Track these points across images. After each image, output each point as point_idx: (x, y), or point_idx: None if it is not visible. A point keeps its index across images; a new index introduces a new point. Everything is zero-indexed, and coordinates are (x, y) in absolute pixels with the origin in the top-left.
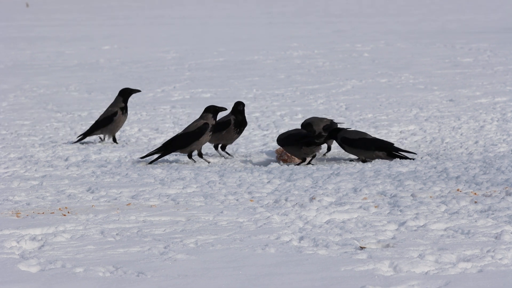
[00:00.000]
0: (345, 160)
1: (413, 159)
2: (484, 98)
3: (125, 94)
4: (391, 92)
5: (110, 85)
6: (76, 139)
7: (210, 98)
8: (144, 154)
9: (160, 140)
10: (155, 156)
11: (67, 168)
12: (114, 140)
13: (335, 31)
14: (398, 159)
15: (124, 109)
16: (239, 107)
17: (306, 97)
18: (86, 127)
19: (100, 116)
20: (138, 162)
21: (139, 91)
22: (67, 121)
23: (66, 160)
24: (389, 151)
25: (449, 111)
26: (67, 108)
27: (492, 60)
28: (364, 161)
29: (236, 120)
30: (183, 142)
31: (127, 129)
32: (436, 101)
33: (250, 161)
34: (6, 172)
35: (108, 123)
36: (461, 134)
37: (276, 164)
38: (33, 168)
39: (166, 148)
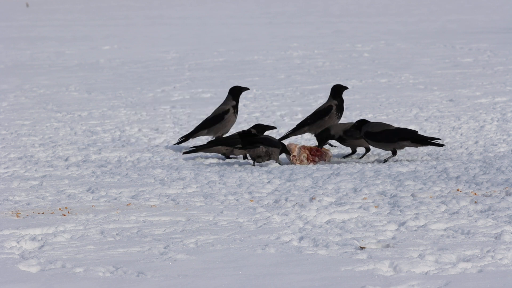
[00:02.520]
0: (346, 161)
1: (442, 145)
2: (484, 98)
3: (235, 92)
4: (391, 92)
5: (110, 85)
6: (178, 140)
7: (210, 98)
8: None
9: (160, 140)
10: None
11: (67, 168)
12: None
13: (335, 31)
14: (426, 146)
15: (236, 108)
16: (341, 90)
17: (306, 97)
18: (86, 127)
19: (210, 115)
20: (139, 162)
21: (248, 89)
22: (67, 121)
23: (66, 160)
24: (412, 138)
25: (449, 111)
26: (67, 108)
27: (492, 60)
28: (394, 153)
29: (337, 105)
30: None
31: (127, 129)
32: (436, 101)
33: (250, 161)
34: (6, 172)
35: (218, 121)
36: (461, 134)
37: (276, 164)
38: (33, 168)
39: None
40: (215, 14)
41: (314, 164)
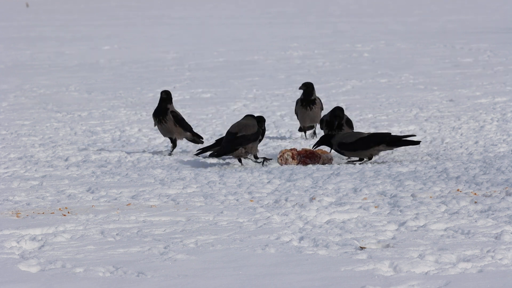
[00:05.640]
0: (346, 162)
1: (418, 142)
2: (484, 98)
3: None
4: (391, 92)
5: (110, 85)
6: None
7: (210, 98)
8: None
9: (160, 140)
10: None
11: (67, 168)
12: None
13: (335, 31)
14: (402, 146)
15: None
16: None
17: None
18: (86, 127)
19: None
20: (139, 162)
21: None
22: (67, 121)
23: (66, 160)
24: (388, 142)
25: (449, 111)
26: (67, 108)
27: (492, 60)
28: (370, 158)
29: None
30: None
31: (127, 129)
32: (436, 101)
33: (250, 161)
34: (6, 172)
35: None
36: (461, 134)
37: (276, 164)
38: (33, 168)
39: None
40: (215, 14)
41: (304, 165)
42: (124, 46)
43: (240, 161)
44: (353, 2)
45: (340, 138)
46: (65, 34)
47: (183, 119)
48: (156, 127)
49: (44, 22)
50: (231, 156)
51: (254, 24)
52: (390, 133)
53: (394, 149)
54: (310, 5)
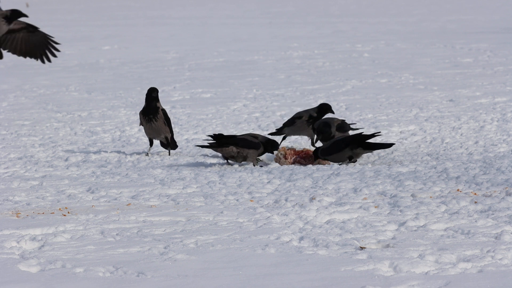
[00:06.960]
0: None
1: (391, 145)
2: (484, 98)
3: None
4: (391, 92)
5: (110, 85)
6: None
7: (210, 98)
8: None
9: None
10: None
11: (67, 168)
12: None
13: (335, 31)
14: (378, 149)
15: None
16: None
17: (306, 97)
18: (86, 127)
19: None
20: (139, 162)
21: None
22: (67, 121)
23: (66, 160)
24: (362, 142)
25: (449, 111)
26: (67, 108)
27: (492, 60)
28: (350, 159)
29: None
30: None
31: (127, 129)
32: (436, 101)
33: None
34: (6, 172)
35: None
36: (461, 134)
37: (276, 164)
38: (33, 168)
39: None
40: (215, 14)
41: (300, 165)
42: (124, 46)
43: (227, 160)
44: (353, 2)
45: (322, 145)
46: (65, 34)
47: (170, 119)
48: (142, 126)
49: (44, 22)
50: (220, 154)
51: (254, 24)
52: (361, 133)
53: (371, 152)
54: (310, 5)
